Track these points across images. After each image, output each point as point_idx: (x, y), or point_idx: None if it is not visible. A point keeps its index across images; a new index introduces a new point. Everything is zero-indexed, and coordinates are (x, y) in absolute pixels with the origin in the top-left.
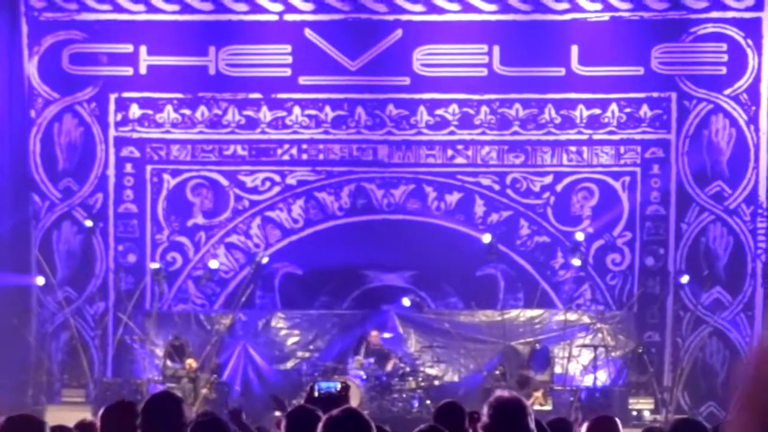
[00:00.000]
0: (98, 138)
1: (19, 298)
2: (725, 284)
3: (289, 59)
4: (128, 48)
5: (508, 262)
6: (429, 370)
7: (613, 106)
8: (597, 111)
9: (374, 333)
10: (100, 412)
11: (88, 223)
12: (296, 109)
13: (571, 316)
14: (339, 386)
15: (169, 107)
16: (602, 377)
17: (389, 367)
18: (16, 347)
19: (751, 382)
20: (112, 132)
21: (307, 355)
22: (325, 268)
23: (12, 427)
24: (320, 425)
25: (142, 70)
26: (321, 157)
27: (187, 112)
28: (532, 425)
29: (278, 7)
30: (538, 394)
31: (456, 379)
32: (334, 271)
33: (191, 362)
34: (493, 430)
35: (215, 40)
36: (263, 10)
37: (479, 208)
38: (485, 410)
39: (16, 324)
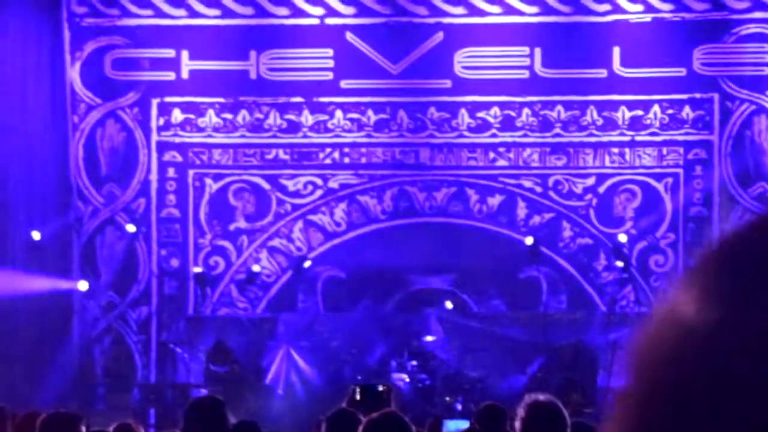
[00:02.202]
0: (141, 143)
1: (61, 303)
2: None
3: (331, 63)
4: (170, 53)
5: (550, 264)
6: (472, 373)
7: (656, 108)
8: (639, 112)
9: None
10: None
11: (131, 228)
12: (338, 113)
13: (615, 318)
14: (381, 389)
15: (210, 111)
16: None
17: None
18: (58, 352)
19: (638, 351)
20: (154, 137)
21: (349, 358)
22: (367, 272)
23: (51, 423)
24: (360, 428)
25: (184, 75)
26: (363, 160)
27: (229, 116)
28: (569, 428)
29: (319, 10)
30: (578, 396)
31: (499, 382)
32: (376, 274)
33: (235, 368)
34: None
35: (256, 44)
36: (304, 14)
37: (521, 211)
38: (520, 412)
39: (59, 329)
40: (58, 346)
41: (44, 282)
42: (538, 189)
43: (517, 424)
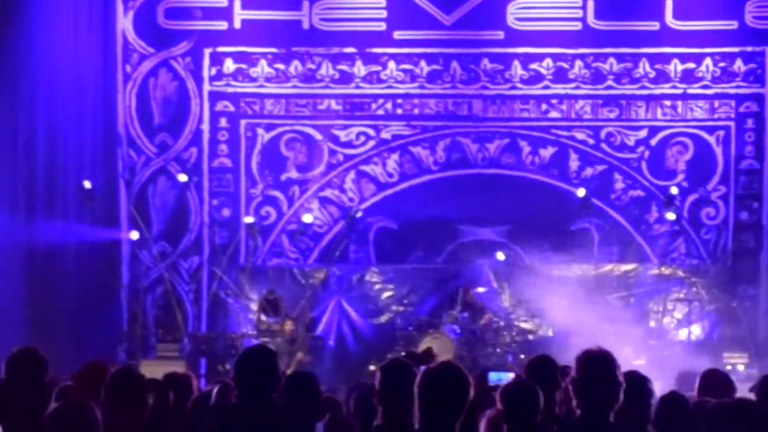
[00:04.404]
0: (193, 92)
1: (109, 253)
2: None
3: (384, 13)
4: (222, 2)
5: (602, 216)
6: (523, 325)
7: (708, 61)
8: (691, 65)
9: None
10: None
11: (183, 178)
12: (391, 64)
13: (666, 270)
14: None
15: (263, 61)
16: (696, 331)
17: (483, 321)
18: (108, 302)
19: None
20: (206, 86)
21: (401, 309)
22: (419, 223)
23: (116, 381)
24: (418, 378)
25: (237, 25)
26: (416, 111)
27: (281, 66)
28: (621, 378)
29: None
30: (628, 349)
31: (550, 333)
32: (428, 225)
33: (288, 324)
34: (582, 384)
35: None
36: None
37: (573, 162)
38: (573, 365)
39: (109, 278)
40: (108, 295)
41: (94, 231)
42: (591, 141)
43: (572, 375)
